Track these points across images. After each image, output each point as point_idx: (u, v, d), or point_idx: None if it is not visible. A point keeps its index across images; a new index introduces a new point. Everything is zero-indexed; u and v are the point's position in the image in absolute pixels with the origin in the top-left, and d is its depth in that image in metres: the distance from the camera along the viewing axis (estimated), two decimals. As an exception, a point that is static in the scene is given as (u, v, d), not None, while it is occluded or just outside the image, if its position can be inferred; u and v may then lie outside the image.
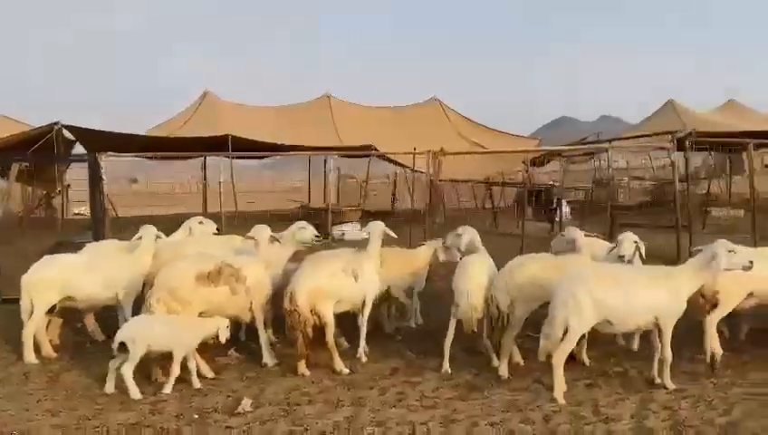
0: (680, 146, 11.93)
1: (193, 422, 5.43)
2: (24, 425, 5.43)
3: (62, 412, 5.70)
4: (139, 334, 6.03)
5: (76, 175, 22.71)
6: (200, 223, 8.75)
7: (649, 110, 27.25)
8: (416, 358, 7.00)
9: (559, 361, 5.77)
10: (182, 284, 6.55)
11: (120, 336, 6.03)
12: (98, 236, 9.08)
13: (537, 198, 21.02)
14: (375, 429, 5.23)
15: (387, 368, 6.74)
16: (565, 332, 5.79)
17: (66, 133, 17.30)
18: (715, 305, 6.44)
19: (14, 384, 6.46)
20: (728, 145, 17.51)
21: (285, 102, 25.65)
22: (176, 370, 6.13)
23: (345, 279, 6.72)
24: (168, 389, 6.08)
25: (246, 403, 5.76)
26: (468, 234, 7.44)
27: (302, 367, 6.53)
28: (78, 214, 23.21)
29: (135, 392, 5.92)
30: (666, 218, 15.95)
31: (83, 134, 17.85)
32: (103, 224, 9.39)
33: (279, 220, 16.82)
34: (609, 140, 17.82)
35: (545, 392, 5.86)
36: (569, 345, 5.83)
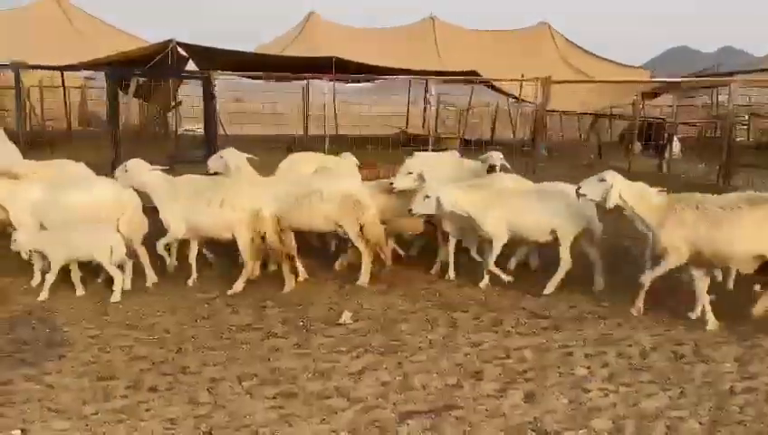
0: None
1: (297, 328, 5.78)
2: (149, 320, 5.98)
3: (180, 310, 6.22)
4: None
5: (186, 92, 23.76)
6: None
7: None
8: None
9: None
10: None
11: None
12: (210, 154, 9.47)
13: (647, 133, 20.06)
14: (470, 349, 5.38)
15: (479, 293, 6.86)
16: None
17: (180, 51, 17.98)
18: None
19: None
20: None
21: (388, 24, 25.45)
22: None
23: None
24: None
25: (347, 316, 6.04)
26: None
27: None
28: (188, 130, 24.33)
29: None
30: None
31: (195, 51, 18.49)
32: (215, 141, 9.80)
33: (379, 145, 17.06)
34: (732, 73, 16.55)
35: (641, 329, 5.81)
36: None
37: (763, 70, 16.83)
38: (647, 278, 6.13)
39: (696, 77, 20.47)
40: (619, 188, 5.98)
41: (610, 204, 6.03)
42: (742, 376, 4.90)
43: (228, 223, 6.64)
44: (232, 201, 6.63)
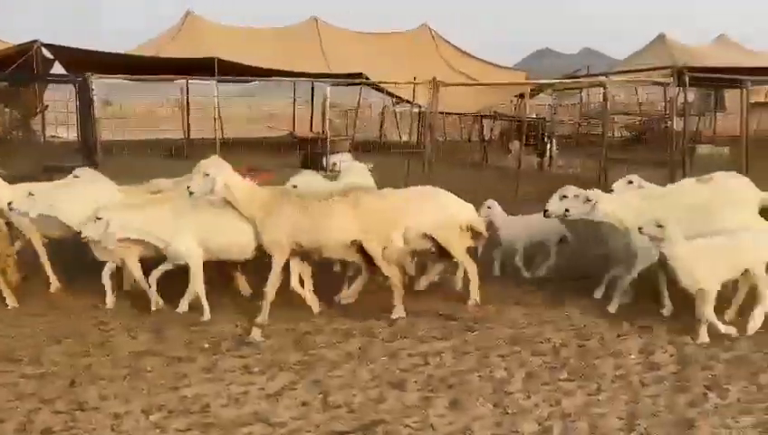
0: (679, 82, 11.95)
1: (203, 350, 5.42)
2: (33, 351, 5.38)
3: (70, 338, 5.66)
4: None
5: (50, 96, 22.02)
6: None
7: (636, 44, 27.00)
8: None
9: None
10: None
11: None
12: (88, 161, 8.81)
13: (527, 133, 20.90)
14: (388, 359, 5.26)
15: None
16: None
17: (45, 52, 16.65)
18: None
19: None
20: (724, 82, 17.45)
21: (270, 25, 24.99)
22: None
23: None
24: None
25: (256, 333, 5.74)
26: None
27: None
28: (54, 136, 22.57)
29: None
30: (654, 155, 16.11)
31: (63, 53, 17.18)
32: (95, 148, 9.10)
33: (268, 148, 16.68)
34: (605, 74, 17.66)
35: (549, 326, 5.94)
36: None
37: (629, 71, 18.10)
38: (294, 282, 6.28)
39: (569, 78, 21.59)
40: (224, 180, 5.85)
41: (216, 197, 5.93)
42: (648, 367, 5.11)
43: None
44: None
